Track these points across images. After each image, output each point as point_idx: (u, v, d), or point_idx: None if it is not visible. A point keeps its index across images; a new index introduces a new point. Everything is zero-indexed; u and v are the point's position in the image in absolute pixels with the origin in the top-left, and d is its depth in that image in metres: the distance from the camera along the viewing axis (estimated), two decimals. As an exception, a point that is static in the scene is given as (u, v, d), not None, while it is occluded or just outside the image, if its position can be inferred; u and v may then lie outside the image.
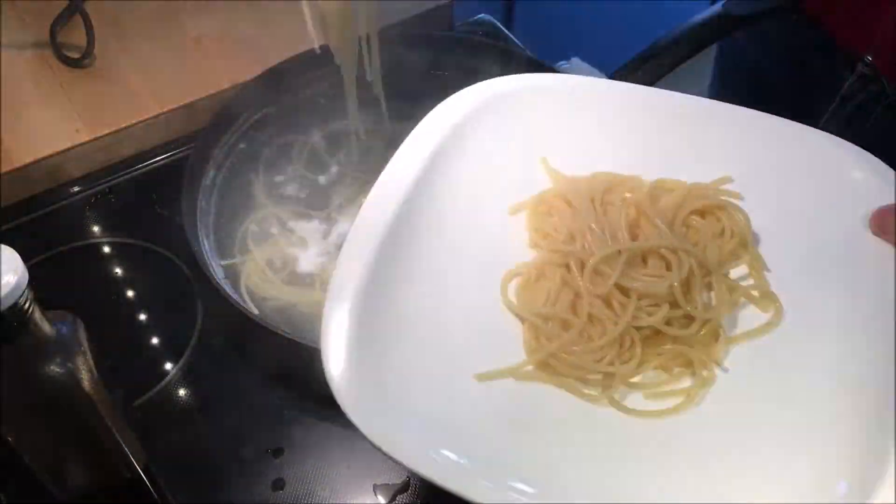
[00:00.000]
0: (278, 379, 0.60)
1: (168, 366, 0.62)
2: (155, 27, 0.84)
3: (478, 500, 0.38)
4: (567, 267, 0.49)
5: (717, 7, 0.78)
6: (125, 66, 0.80)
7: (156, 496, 0.53)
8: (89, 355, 0.44)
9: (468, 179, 0.52)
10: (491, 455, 0.41)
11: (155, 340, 0.64)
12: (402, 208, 0.48)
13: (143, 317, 0.65)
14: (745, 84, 0.85)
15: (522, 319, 0.48)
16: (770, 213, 0.51)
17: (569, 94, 0.56)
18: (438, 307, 0.47)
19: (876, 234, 0.48)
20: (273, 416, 0.59)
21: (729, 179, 0.53)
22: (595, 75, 0.76)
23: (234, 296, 0.63)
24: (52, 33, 0.80)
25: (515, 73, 0.75)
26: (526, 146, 0.54)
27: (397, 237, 0.47)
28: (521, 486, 0.40)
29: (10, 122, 0.74)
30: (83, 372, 0.43)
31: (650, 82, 0.71)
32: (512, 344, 0.47)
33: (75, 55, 0.79)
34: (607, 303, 0.47)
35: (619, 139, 0.55)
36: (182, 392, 0.60)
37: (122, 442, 0.48)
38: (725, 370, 0.46)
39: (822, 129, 0.71)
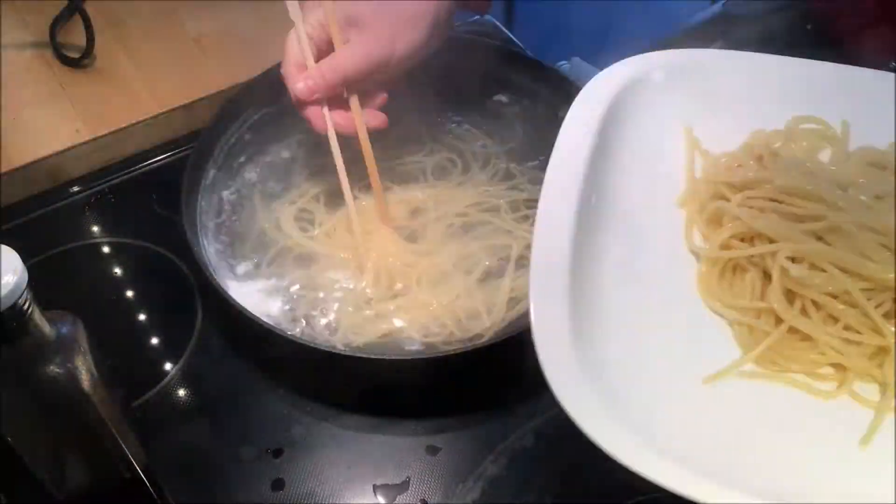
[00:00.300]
0: (278, 379, 0.60)
1: (168, 366, 0.62)
2: (155, 27, 0.84)
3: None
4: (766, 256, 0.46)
5: (717, 7, 0.78)
6: (125, 66, 0.80)
7: (156, 496, 0.53)
8: (89, 355, 0.44)
9: (633, 163, 0.50)
10: (729, 461, 0.39)
11: (155, 340, 0.64)
12: (582, 195, 0.46)
13: (143, 317, 0.65)
14: None
15: (727, 317, 0.46)
16: None
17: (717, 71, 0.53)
18: (639, 303, 0.45)
19: None
20: (273, 416, 0.59)
21: None
22: (595, 75, 0.75)
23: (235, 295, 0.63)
24: (52, 33, 0.80)
25: (515, 72, 0.76)
26: (678, 123, 0.52)
27: (586, 227, 0.45)
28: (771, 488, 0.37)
29: (10, 122, 0.74)
30: (83, 372, 0.43)
31: None
32: (721, 342, 0.45)
33: (75, 55, 0.79)
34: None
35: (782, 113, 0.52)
36: (182, 392, 0.60)
37: (121, 442, 0.48)
38: None
39: None
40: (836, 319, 0.45)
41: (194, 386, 0.61)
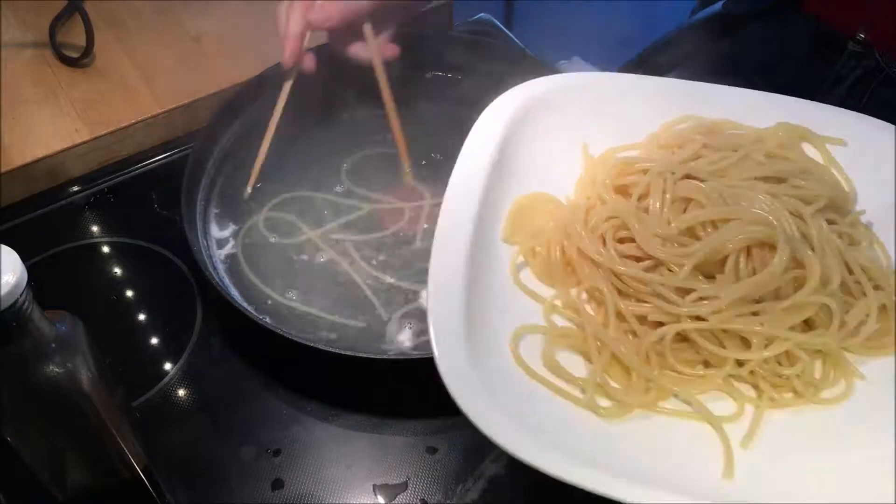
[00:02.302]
0: (278, 379, 0.60)
1: (168, 366, 0.62)
2: (155, 27, 0.84)
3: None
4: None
5: (717, 7, 0.78)
6: (125, 66, 0.80)
7: (155, 496, 0.53)
8: (89, 355, 0.44)
9: (527, 178, 0.52)
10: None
11: (155, 340, 0.64)
12: (479, 213, 0.48)
13: (143, 317, 0.65)
14: (736, 69, 0.85)
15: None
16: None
17: (610, 89, 0.56)
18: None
19: None
20: (273, 416, 0.59)
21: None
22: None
23: (235, 295, 0.63)
24: (52, 33, 0.80)
25: (515, 72, 0.76)
26: (573, 141, 0.54)
27: (481, 232, 0.48)
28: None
29: (10, 122, 0.74)
30: (83, 372, 0.43)
31: None
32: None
33: (75, 55, 0.79)
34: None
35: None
36: (182, 392, 0.60)
37: (121, 442, 0.48)
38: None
39: None
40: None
41: (194, 386, 0.61)
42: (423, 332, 0.61)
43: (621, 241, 0.49)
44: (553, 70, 0.75)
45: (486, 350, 0.44)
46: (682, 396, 0.45)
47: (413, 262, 0.66)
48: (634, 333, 0.47)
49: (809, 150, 0.54)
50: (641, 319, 0.47)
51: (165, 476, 0.54)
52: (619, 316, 0.47)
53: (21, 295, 0.39)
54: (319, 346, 0.56)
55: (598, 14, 1.73)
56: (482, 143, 0.51)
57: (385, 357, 0.58)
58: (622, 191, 0.52)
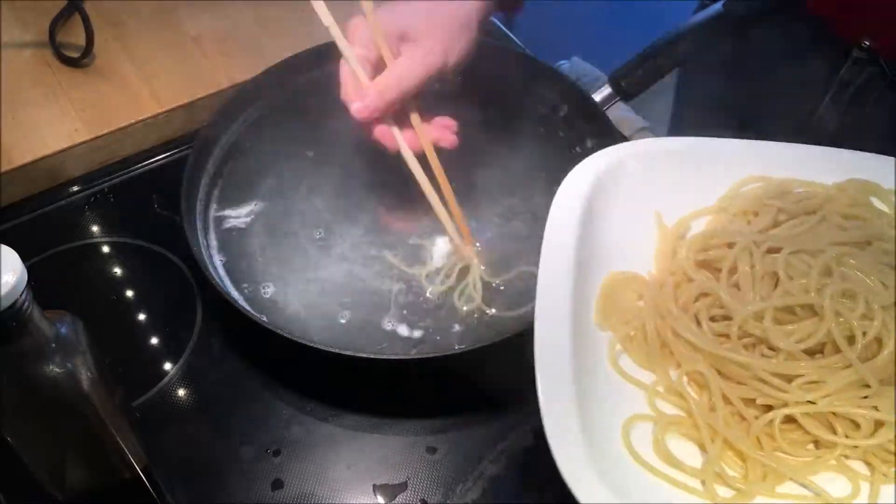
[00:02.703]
0: (278, 379, 0.60)
1: (168, 366, 0.62)
2: (155, 27, 0.84)
3: None
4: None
5: (718, 7, 0.78)
6: (125, 66, 0.80)
7: (155, 496, 0.53)
8: (89, 355, 0.44)
9: (615, 250, 0.52)
10: None
11: (155, 340, 0.64)
12: (573, 290, 0.48)
13: (143, 317, 0.65)
14: (737, 71, 0.85)
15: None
16: None
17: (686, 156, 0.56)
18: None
19: None
20: (273, 416, 0.59)
21: None
22: (595, 74, 0.76)
23: (235, 295, 0.63)
24: (52, 33, 0.80)
25: (515, 71, 0.76)
26: (645, 210, 0.54)
27: (578, 318, 0.48)
28: None
29: (10, 122, 0.74)
30: (83, 372, 0.43)
31: (651, 82, 0.71)
32: None
33: (74, 54, 0.79)
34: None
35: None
36: (182, 392, 0.60)
37: (121, 442, 0.48)
38: None
39: (822, 115, 0.73)
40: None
41: (194, 386, 0.61)
42: (421, 325, 0.61)
43: (713, 318, 0.49)
44: (554, 70, 0.75)
45: (599, 443, 0.43)
46: (797, 480, 0.45)
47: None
48: (741, 416, 0.47)
49: (877, 202, 0.53)
50: (748, 402, 0.47)
51: (165, 476, 0.54)
52: (725, 398, 0.47)
53: (21, 295, 0.39)
54: (319, 346, 0.56)
55: (598, 14, 1.73)
56: (565, 220, 0.51)
57: (384, 357, 0.58)
58: (706, 265, 0.52)
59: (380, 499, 0.55)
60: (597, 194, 0.52)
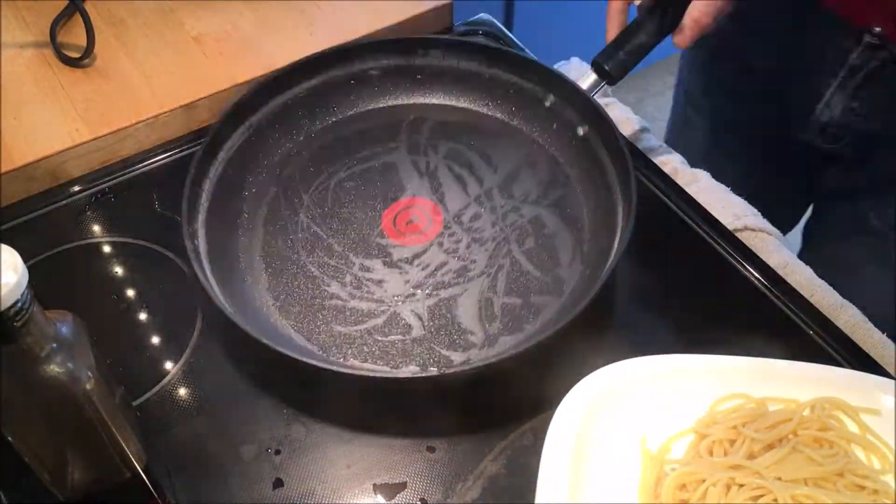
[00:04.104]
0: (278, 378, 0.60)
1: (168, 366, 0.62)
2: (155, 27, 0.84)
3: None
4: None
5: None
6: (125, 66, 0.80)
7: (156, 496, 0.53)
8: (90, 355, 0.44)
9: (600, 476, 0.53)
10: None
11: (155, 340, 0.64)
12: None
13: (143, 317, 0.65)
14: (747, 65, 0.85)
15: None
16: None
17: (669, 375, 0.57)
18: None
19: None
20: (273, 416, 0.59)
21: None
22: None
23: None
24: (52, 33, 0.80)
25: (515, 72, 0.76)
26: (633, 431, 0.55)
27: None
28: None
29: (10, 122, 0.74)
30: (84, 372, 0.43)
31: (634, 62, 0.70)
32: None
33: (75, 55, 0.79)
34: None
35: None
36: (182, 392, 0.60)
37: (122, 442, 0.48)
38: None
39: (830, 101, 0.75)
40: None
41: (194, 385, 0.61)
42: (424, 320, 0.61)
43: None
44: (554, 69, 0.75)
45: None
46: None
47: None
48: None
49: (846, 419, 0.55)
50: None
51: (166, 475, 0.54)
52: None
53: (22, 295, 0.39)
54: (314, 363, 0.56)
55: (598, 14, 1.73)
56: (558, 458, 0.52)
57: (380, 376, 0.58)
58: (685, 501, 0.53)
59: (380, 498, 0.55)
60: (588, 420, 0.53)
